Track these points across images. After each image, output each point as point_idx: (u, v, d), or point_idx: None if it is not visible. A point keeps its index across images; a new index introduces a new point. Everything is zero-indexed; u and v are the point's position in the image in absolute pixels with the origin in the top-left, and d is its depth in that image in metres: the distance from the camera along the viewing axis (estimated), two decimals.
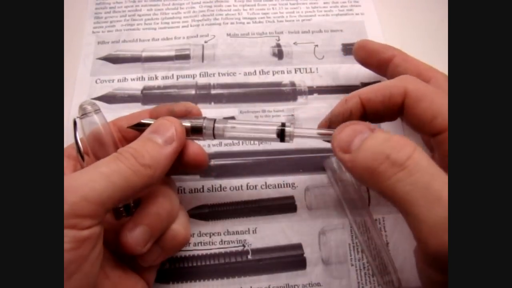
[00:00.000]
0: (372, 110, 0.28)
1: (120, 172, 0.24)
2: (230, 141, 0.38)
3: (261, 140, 0.29)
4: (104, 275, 0.26)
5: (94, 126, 0.27)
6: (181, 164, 0.29)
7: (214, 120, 0.30)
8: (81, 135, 0.28)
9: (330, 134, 0.28)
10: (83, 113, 0.27)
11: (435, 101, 0.26)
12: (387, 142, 0.24)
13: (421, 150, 0.23)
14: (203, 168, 0.31)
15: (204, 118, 0.30)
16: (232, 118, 0.30)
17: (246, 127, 0.29)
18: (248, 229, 0.35)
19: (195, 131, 0.29)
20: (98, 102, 0.39)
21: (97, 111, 0.28)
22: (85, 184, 0.23)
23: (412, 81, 0.27)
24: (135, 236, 0.26)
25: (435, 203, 0.21)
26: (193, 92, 0.40)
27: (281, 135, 0.29)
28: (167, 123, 0.28)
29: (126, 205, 0.28)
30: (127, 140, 0.30)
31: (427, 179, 0.22)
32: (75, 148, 0.27)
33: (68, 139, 0.37)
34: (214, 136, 0.30)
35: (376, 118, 0.29)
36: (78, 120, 0.27)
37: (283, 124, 0.29)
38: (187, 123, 0.29)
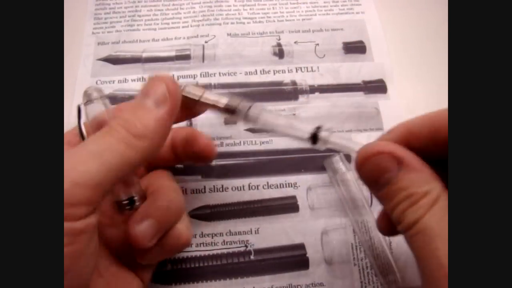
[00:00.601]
0: (418, 144, 0.23)
1: (112, 149, 0.21)
2: (231, 141, 0.38)
3: (292, 137, 0.27)
4: (98, 273, 0.25)
5: (98, 112, 0.26)
6: (188, 154, 0.28)
7: (251, 106, 0.28)
8: (86, 121, 0.27)
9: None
10: (88, 100, 0.26)
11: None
12: (410, 199, 0.21)
13: (438, 206, 0.21)
14: (210, 161, 0.29)
15: (241, 100, 0.28)
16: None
17: (280, 123, 0.28)
18: (251, 229, 0.35)
19: (229, 111, 0.27)
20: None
21: (103, 97, 0.26)
22: (74, 168, 0.20)
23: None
24: (143, 229, 0.24)
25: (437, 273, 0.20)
26: None
27: (314, 138, 0.26)
28: (157, 81, 0.24)
29: (130, 198, 0.26)
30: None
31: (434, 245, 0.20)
32: (78, 134, 0.26)
33: None
34: (246, 118, 0.27)
35: (424, 157, 0.23)
36: (82, 107, 0.26)
37: (318, 128, 0.26)
38: (223, 100, 0.27)
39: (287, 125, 0.27)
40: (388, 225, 0.25)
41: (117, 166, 0.21)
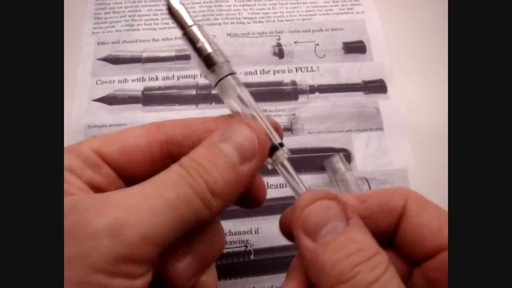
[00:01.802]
0: (367, 216, 0.22)
1: (189, 202, 0.18)
2: None
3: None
4: None
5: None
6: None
7: (228, 75, 0.23)
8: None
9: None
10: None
11: (441, 212, 0.21)
12: (362, 253, 0.19)
13: (392, 270, 0.19)
14: (257, 207, 0.25)
15: (225, 61, 0.23)
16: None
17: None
18: (250, 229, 0.35)
19: (206, 62, 0.23)
20: (98, 104, 0.40)
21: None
22: (147, 218, 0.17)
23: (413, 192, 0.22)
24: (185, 266, 0.20)
25: None
26: (194, 92, 0.40)
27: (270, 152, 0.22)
28: (247, 130, 0.21)
29: None
30: (173, 157, 0.22)
31: None
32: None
33: (68, 141, 0.37)
34: (216, 85, 0.23)
35: (369, 227, 0.21)
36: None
37: (281, 145, 0.23)
38: (208, 47, 0.23)
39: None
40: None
41: (188, 223, 0.18)
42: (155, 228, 0.17)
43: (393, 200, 0.22)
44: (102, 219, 0.16)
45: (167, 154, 0.22)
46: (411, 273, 0.22)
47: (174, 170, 0.19)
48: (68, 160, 0.21)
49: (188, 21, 0.23)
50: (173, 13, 0.23)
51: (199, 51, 0.22)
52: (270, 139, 0.22)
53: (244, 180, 0.20)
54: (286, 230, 0.23)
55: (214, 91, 0.40)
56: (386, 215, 0.22)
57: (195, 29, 0.23)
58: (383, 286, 0.18)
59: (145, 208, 0.17)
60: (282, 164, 0.23)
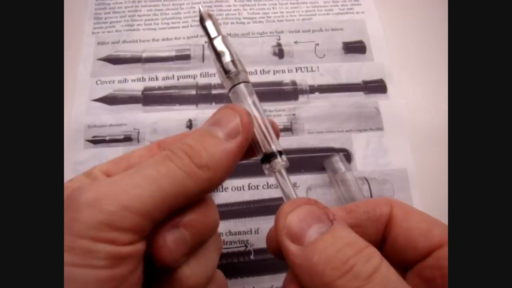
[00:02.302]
0: (354, 224, 0.22)
1: (171, 175, 0.19)
2: None
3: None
4: None
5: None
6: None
7: (239, 84, 0.25)
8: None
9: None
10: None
11: (425, 214, 0.22)
12: (351, 246, 0.18)
13: (387, 262, 0.18)
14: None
15: (241, 71, 0.25)
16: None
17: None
18: (250, 229, 0.35)
19: (224, 70, 0.25)
20: (98, 104, 0.40)
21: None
22: (126, 191, 0.18)
23: (396, 200, 0.23)
24: (173, 239, 0.20)
25: None
26: (194, 92, 0.40)
27: (267, 158, 0.23)
28: (231, 112, 0.22)
29: None
30: None
31: None
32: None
33: (68, 141, 0.37)
34: (229, 91, 0.25)
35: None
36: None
37: (280, 153, 0.23)
38: (228, 57, 0.25)
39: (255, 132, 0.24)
40: None
41: (173, 195, 0.19)
42: (136, 199, 0.18)
43: (378, 208, 0.22)
44: (86, 194, 0.18)
45: None
46: (404, 277, 0.22)
47: (160, 154, 0.20)
48: (78, 181, 0.22)
49: (214, 32, 0.25)
50: (203, 23, 0.26)
51: (219, 58, 0.25)
52: (270, 146, 0.23)
53: (231, 154, 0.21)
54: (274, 247, 0.23)
55: (214, 91, 0.40)
56: (374, 222, 0.22)
57: (219, 39, 0.25)
58: (383, 277, 0.17)
59: (126, 183, 0.18)
60: (279, 172, 0.23)
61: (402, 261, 0.22)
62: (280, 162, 0.23)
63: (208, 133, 0.21)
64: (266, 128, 0.24)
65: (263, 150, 0.23)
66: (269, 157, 0.23)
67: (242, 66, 0.25)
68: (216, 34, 0.25)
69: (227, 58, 0.25)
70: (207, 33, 0.25)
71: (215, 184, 0.21)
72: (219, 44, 0.25)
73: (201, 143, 0.21)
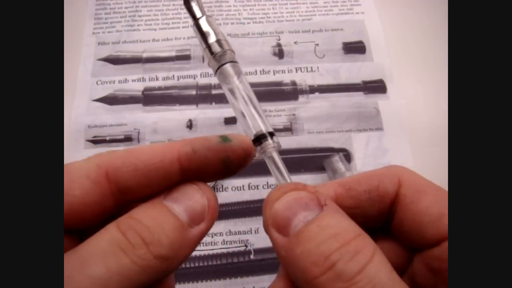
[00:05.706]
0: (353, 205, 0.20)
1: (122, 274, 0.16)
2: None
3: (241, 124, 0.24)
4: None
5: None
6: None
7: (226, 64, 0.24)
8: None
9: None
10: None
11: (440, 194, 0.20)
12: (337, 237, 0.16)
13: (381, 256, 0.16)
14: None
15: (228, 51, 0.24)
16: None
17: (239, 107, 0.24)
18: (250, 229, 0.35)
19: (210, 51, 0.24)
20: (98, 104, 0.40)
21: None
22: None
23: (407, 171, 0.20)
24: None
25: None
26: (194, 92, 0.40)
27: (258, 139, 0.22)
28: (197, 191, 0.19)
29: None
30: (120, 191, 0.18)
31: None
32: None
33: (68, 141, 0.37)
34: (216, 73, 0.24)
35: (356, 219, 0.18)
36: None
37: (271, 134, 0.22)
38: (213, 37, 0.24)
39: (244, 114, 0.23)
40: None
41: None
42: None
43: (383, 185, 0.20)
44: None
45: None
46: (412, 258, 0.20)
47: (106, 236, 0.16)
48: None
49: (198, 12, 0.25)
50: (188, 4, 0.25)
51: (205, 38, 0.24)
52: (260, 127, 0.22)
53: (192, 243, 0.18)
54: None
55: (214, 91, 0.40)
56: (375, 203, 0.20)
57: (204, 19, 0.24)
58: (370, 278, 0.15)
59: (67, 285, 0.15)
60: (271, 156, 0.22)
61: (410, 243, 0.20)
62: (271, 144, 0.22)
63: (169, 212, 0.17)
64: (255, 108, 0.23)
65: (253, 132, 0.22)
66: (260, 139, 0.22)
67: (229, 46, 0.24)
68: (201, 14, 0.25)
69: (212, 38, 0.24)
70: (192, 14, 0.25)
71: (168, 273, 0.18)
72: (204, 24, 0.24)
73: (160, 225, 0.17)
